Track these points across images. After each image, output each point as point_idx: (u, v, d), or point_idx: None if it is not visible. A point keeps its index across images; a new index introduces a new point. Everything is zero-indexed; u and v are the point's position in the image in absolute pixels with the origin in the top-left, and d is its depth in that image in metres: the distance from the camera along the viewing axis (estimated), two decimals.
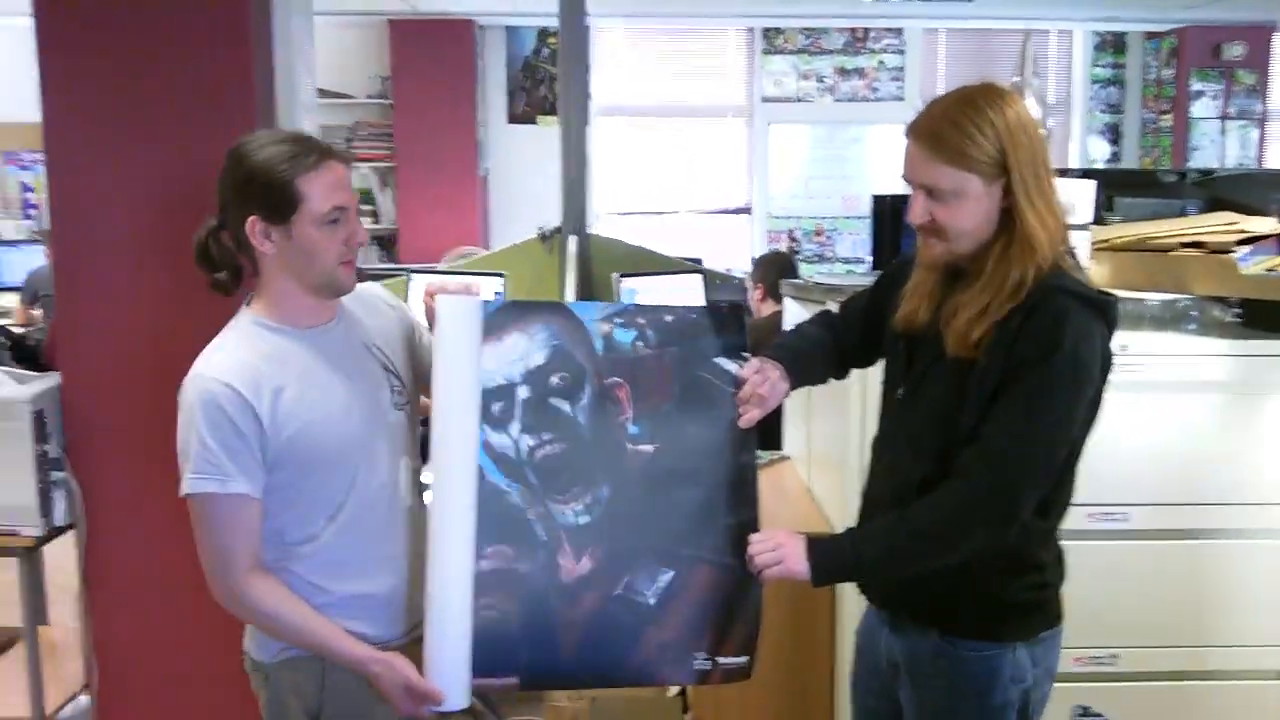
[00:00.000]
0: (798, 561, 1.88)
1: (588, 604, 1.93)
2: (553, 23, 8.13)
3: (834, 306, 2.25)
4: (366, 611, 1.97)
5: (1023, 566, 1.92)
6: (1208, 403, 2.62)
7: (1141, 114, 9.19)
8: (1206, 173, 3.64)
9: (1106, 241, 2.88)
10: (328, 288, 1.94)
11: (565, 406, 1.94)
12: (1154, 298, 2.86)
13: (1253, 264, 2.63)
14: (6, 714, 3.23)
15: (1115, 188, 3.16)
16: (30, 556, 3.04)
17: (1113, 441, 2.18)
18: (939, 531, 1.84)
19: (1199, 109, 8.81)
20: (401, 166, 8.64)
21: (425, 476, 2.02)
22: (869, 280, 2.23)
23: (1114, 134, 9.33)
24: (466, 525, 1.88)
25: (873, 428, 2.10)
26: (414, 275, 5.37)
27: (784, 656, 2.65)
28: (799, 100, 9.07)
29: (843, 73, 9.06)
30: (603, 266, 5.54)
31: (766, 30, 8.96)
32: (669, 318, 2.00)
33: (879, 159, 8.94)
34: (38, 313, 6.52)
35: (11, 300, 6.81)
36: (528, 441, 1.93)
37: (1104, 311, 1.84)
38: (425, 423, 1.99)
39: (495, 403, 1.92)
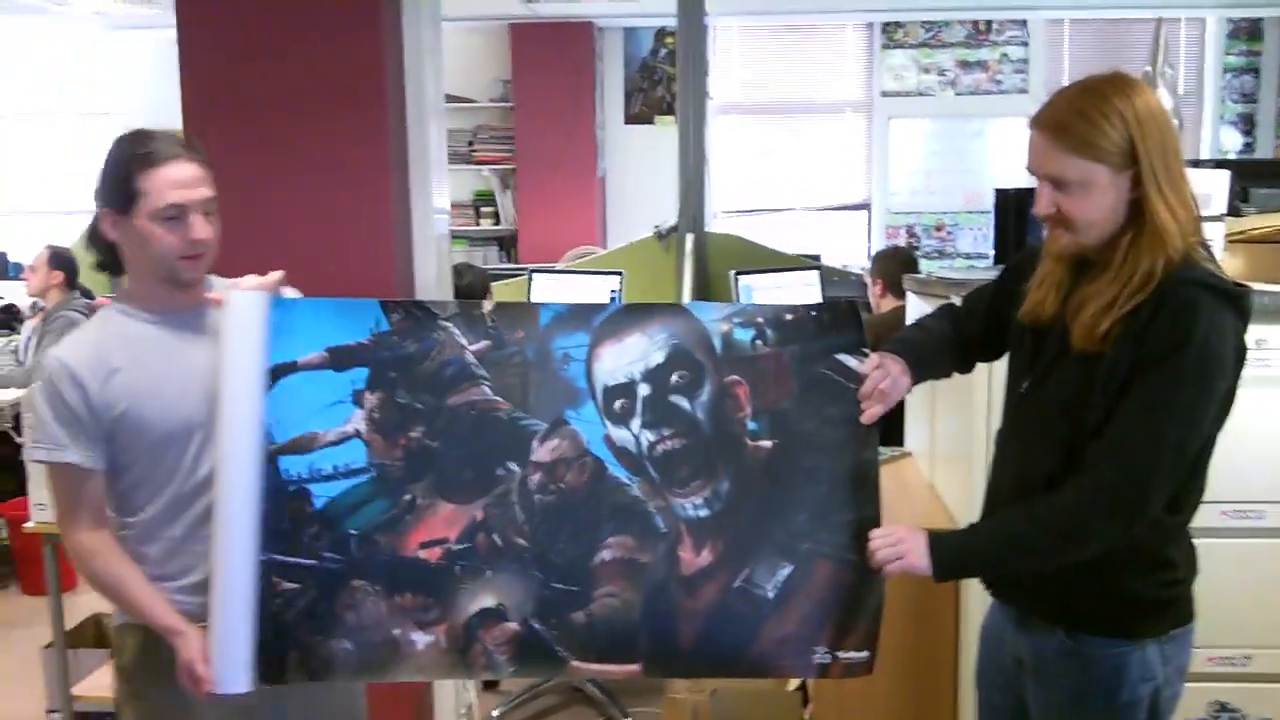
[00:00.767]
0: (919, 557, 1.88)
1: (708, 595, 1.96)
2: (670, 23, 8.21)
3: (958, 300, 2.23)
4: (184, 592, 2.05)
5: (1153, 563, 1.89)
6: None
7: (1277, 103, 8.86)
8: None
9: (1241, 233, 2.81)
10: (170, 279, 2.04)
11: (685, 403, 1.98)
12: None
13: None
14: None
15: (1250, 179, 3.08)
16: None
17: (1247, 437, 2.12)
18: (1065, 528, 1.82)
19: None
20: (521, 168, 8.77)
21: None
22: (992, 275, 2.21)
23: (1247, 124, 9.01)
24: (249, 514, 1.92)
25: (997, 422, 2.08)
26: (535, 275, 5.47)
27: (907, 652, 2.64)
28: (919, 94, 8.97)
29: (964, 66, 8.92)
30: (719, 264, 5.58)
31: (886, 24, 8.88)
32: (788, 316, 2.01)
33: (1002, 153, 8.78)
34: None
35: None
36: (648, 437, 1.98)
37: (1237, 302, 1.79)
38: None
39: (617, 400, 1.98)
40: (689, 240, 5.57)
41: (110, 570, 2.03)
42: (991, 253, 4.03)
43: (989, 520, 2.00)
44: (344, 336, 1.98)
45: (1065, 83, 1.89)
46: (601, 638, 1.96)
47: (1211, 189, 2.62)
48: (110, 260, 2.11)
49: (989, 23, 8.85)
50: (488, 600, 1.98)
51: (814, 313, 2.02)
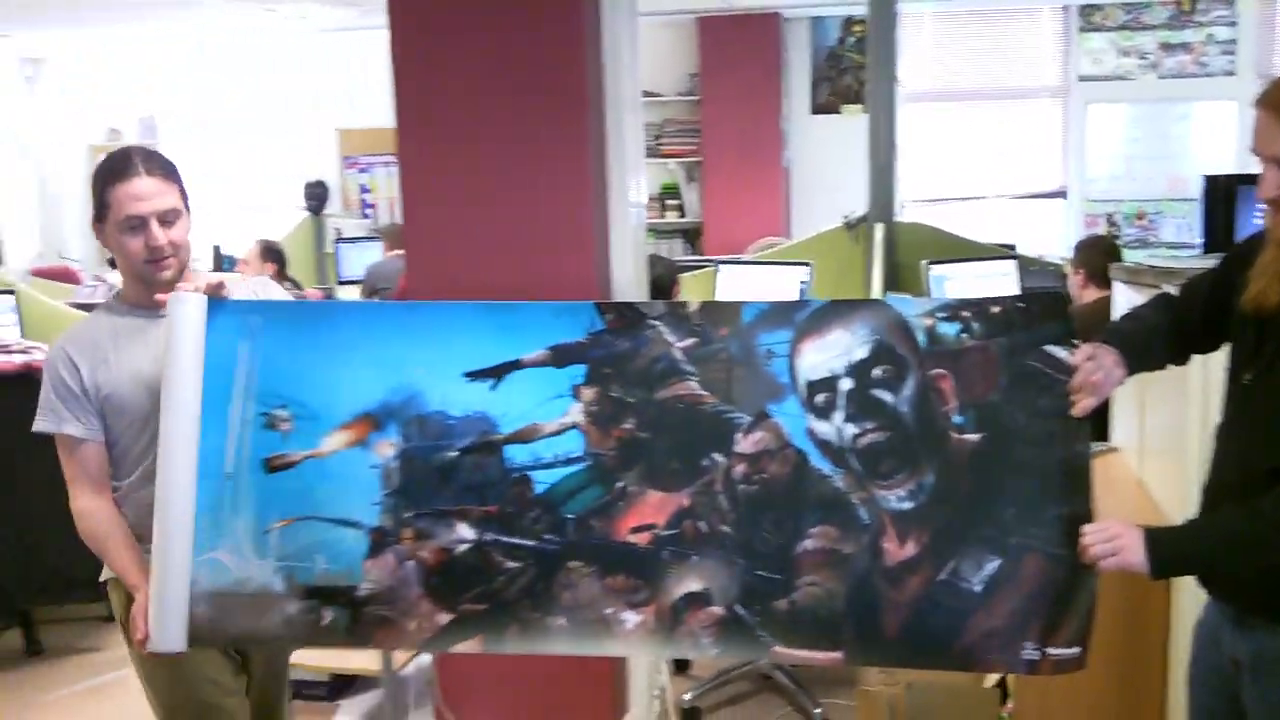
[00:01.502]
0: (1135, 553, 1.84)
1: (912, 587, 1.97)
2: (857, 11, 8.16)
3: (1172, 289, 2.17)
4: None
5: None
6: None
7: None
8: None
9: None
10: (142, 279, 2.32)
11: (888, 397, 2.01)
12: None
13: None
14: (363, 665, 3.56)
15: None
16: None
17: None
18: None
19: None
20: (707, 160, 8.83)
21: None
22: (1206, 264, 2.14)
23: None
24: (187, 492, 2.09)
25: (1214, 415, 2.02)
26: (721, 266, 5.50)
27: (1114, 650, 2.57)
28: (1119, 78, 8.66)
29: (1167, 48, 8.57)
30: (910, 254, 5.51)
31: (1084, 7, 8.62)
32: (995, 308, 2.01)
33: (1208, 137, 8.41)
34: None
35: (352, 293, 7.39)
36: (850, 430, 2.01)
37: None
38: None
39: (819, 394, 2.03)
40: (879, 230, 5.52)
41: (99, 531, 2.32)
42: (1198, 241, 3.88)
43: (1209, 516, 1.94)
44: (564, 336, 2.13)
45: (1277, 64, 1.82)
46: (804, 625, 2.00)
47: None
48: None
49: (1193, 3, 8.48)
50: (694, 584, 2.05)
51: (1021, 304, 2.02)
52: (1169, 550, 1.84)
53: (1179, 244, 8.52)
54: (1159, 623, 2.61)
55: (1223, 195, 4.87)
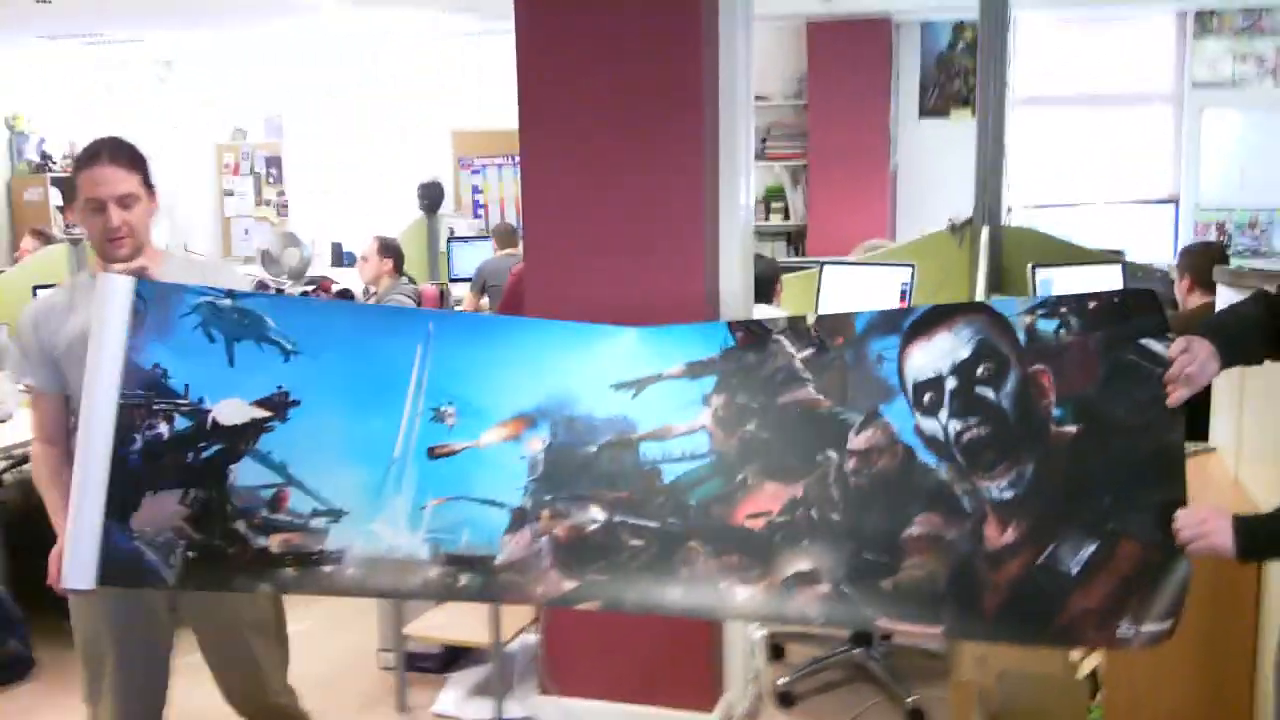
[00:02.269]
0: (1224, 537, 1.90)
1: (1012, 570, 2.09)
2: (969, 16, 8.13)
3: (1271, 288, 2.21)
4: None
5: None
6: None
7: None
8: None
9: None
10: (103, 256, 2.54)
11: (990, 394, 2.13)
12: None
13: None
14: (470, 638, 3.73)
15: None
16: None
17: None
18: None
19: None
20: (813, 163, 8.88)
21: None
22: None
23: None
24: (102, 453, 2.23)
25: None
26: (825, 267, 5.57)
27: (1202, 638, 2.61)
28: (1235, 84, 8.50)
29: None
30: (1015, 257, 5.53)
31: (1200, 13, 8.47)
32: (1092, 304, 2.10)
33: None
34: (485, 301, 7.25)
35: (463, 290, 7.60)
36: (955, 426, 2.15)
37: None
38: None
39: (926, 393, 2.17)
40: (984, 233, 5.55)
41: (40, 476, 2.60)
42: None
43: None
44: (699, 353, 2.35)
45: None
46: (908, 602, 2.14)
47: None
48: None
49: None
50: (803, 565, 2.22)
51: (1116, 299, 2.11)
52: (1257, 536, 1.90)
53: None
54: (1248, 610, 2.63)
55: None
